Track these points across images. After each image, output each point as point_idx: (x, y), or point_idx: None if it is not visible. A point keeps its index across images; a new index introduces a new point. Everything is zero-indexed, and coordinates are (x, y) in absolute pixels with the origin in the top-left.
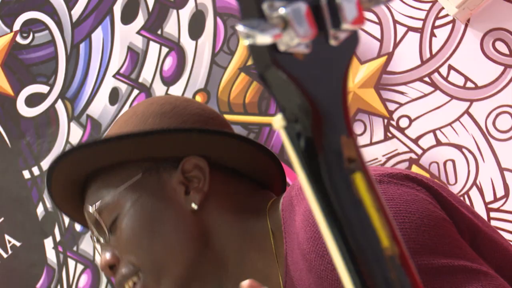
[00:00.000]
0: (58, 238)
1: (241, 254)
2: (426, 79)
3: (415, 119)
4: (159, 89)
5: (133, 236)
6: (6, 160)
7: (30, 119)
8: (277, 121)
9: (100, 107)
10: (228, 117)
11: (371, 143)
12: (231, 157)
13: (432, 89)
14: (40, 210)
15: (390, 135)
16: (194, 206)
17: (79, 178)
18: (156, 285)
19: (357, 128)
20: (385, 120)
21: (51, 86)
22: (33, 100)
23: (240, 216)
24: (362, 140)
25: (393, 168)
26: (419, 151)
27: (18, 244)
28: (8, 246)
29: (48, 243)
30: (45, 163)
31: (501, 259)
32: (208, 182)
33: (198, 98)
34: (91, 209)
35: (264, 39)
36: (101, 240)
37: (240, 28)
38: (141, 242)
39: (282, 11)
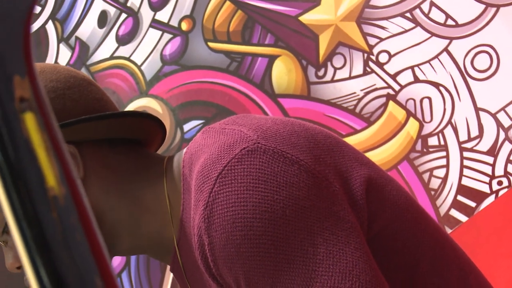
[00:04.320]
0: None
1: (133, 220)
2: (408, 14)
3: (394, 54)
4: (146, 14)
5: None
6: None
7: None
8: None
9: (89, 30)
10: (212, 44)
11: (350, 77)
12: (104, 133)
13: (413, 25)
14: None
15: (369, 69)
16: None
17: None
18: None
19: (337, 61)
20: (365, 55)
21: (43, 7)
22: None
23: (127, 185)
24: (341, 74)
25: (297, 135)
26: (397, 87)
27: None
28: None
29: None
30: None
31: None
32: (83, 167)
33: (184, 25)
34: None
35: None
36: (8, 243)
37: None
38: None
39: None
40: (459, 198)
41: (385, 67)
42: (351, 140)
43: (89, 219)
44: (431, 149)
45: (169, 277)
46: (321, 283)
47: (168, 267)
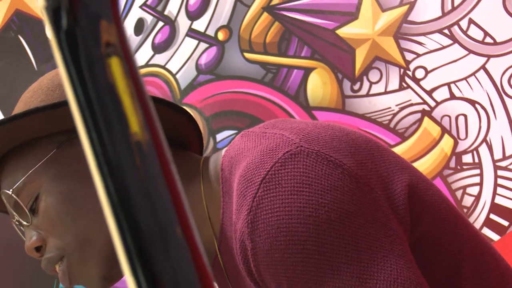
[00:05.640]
0: None
1: None
2: (446, 31)
3: (431, 71)
4: (183, 23)
5: (55, 214)
6: (32, 82)
7: None
8: (40, 2)
9: None
10: (247, 55)
11: (386, 92)
12: None
13: (451, 42)
14: None
15: (405, 85)
16: None
17: None
18: (81, 264)
19: (373, 76)
20: (401, 70)
21: None
22: None
23: None
24: (376, 88)
25: (336, 138)
26: (433, 103)
27: None
28: None
29: None
30: None
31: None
32: None
33: (220, 35)
34: (9, 192)
35: None
36: (24, 223)
37: None
38: (65, 220)
39: None
40: (492, 216)
41: (421, 83)
42: None
43: (170, 167)
44: (465, 167)
45: None
46: None
47: None
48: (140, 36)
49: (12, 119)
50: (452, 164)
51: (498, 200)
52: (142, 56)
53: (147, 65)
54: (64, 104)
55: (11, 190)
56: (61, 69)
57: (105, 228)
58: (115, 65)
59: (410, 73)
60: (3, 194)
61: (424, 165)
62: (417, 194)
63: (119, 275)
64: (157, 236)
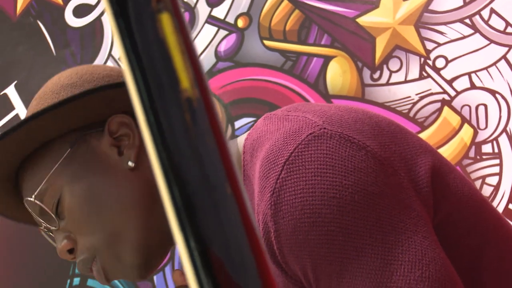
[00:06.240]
0: None
1: None
2: (467, 20)
3: (451, 60)
4: (203, 10)
5: (81, 212)
6: (50, 67)
7: (76, 29)
8: None
9: None
10: (267, 43)
11: (406, 81)
12: None
13: (472, 31)
14: None
15: (425, 74)
16: (130, 164)
17: (8, 174)
18: (115, 258)
19: (393, 64)
20: (422, 59)
21: None
22: (81, 10)
23: None
24: (396, 77)
25: (357, 119)
26: (453, 93)
27: None
28: None
29: None
30: None
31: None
32: (138, 136)
33: (240, 22)
34: (31, 199)
35: None
36: (52, 227)
37: None
38: (90, 216)
39: None
40: (511, 207)
41: (442, 72)
42: None
43: (219, 125)
44: (484, 157)
45: None
46: (390, 272)
47: None
48: None
49: (22, 123)
50: (472, 154)
51: None
52: None
53: None
54: (69, 100)
55: (33, 196)
56: (111, 23)
57: (132, 217)
58: (166, 21)
59: (430, 62)
60: (26, 203)
61: (443, 155)
62: (440, 176)
63: (156, 262)
64: (206, 193)
